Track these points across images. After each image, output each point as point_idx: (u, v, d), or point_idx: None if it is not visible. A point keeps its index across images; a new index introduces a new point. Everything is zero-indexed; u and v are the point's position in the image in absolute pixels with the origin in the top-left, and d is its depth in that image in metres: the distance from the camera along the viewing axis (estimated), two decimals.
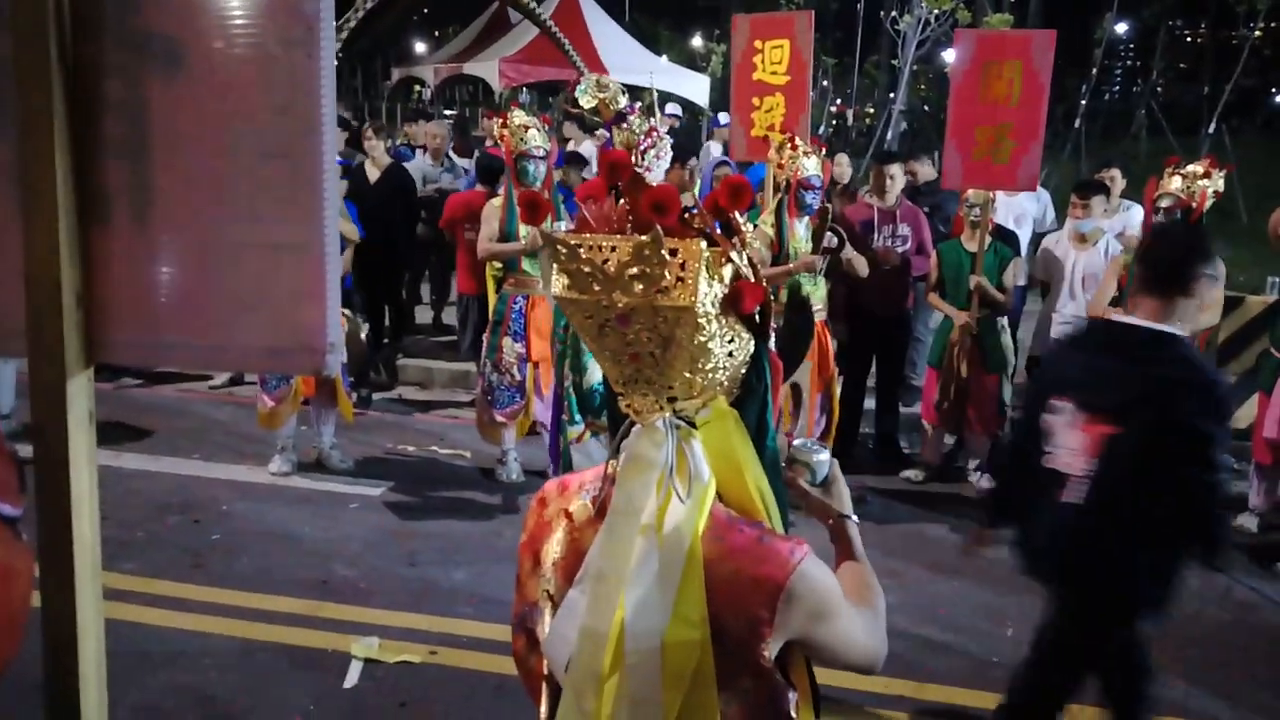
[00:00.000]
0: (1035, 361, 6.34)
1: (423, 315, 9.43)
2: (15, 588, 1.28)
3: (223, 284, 1.18)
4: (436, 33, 32.99)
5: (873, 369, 6.70)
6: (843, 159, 7.85)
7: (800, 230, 5.50)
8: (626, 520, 1.35)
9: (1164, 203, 5.09)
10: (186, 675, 3.88)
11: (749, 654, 1.34)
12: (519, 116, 5.51)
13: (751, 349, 1.42)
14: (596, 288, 1.29)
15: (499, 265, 5.77)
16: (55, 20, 1.10)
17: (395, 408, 7.52)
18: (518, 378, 5.70)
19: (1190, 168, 5.09)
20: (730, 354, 1.37)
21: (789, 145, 5.45)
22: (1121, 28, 27.66)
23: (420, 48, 28.35)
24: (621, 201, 1.34)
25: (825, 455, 1.67)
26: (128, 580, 4.54)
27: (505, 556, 4.91)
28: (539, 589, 1.50)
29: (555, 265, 1.33)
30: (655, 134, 3.40)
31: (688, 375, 1.35)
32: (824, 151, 5.72)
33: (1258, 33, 24.31)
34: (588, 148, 7.44)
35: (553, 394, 5.64)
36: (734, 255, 1.33)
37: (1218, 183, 5.03)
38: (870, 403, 6.77)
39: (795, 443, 1.67)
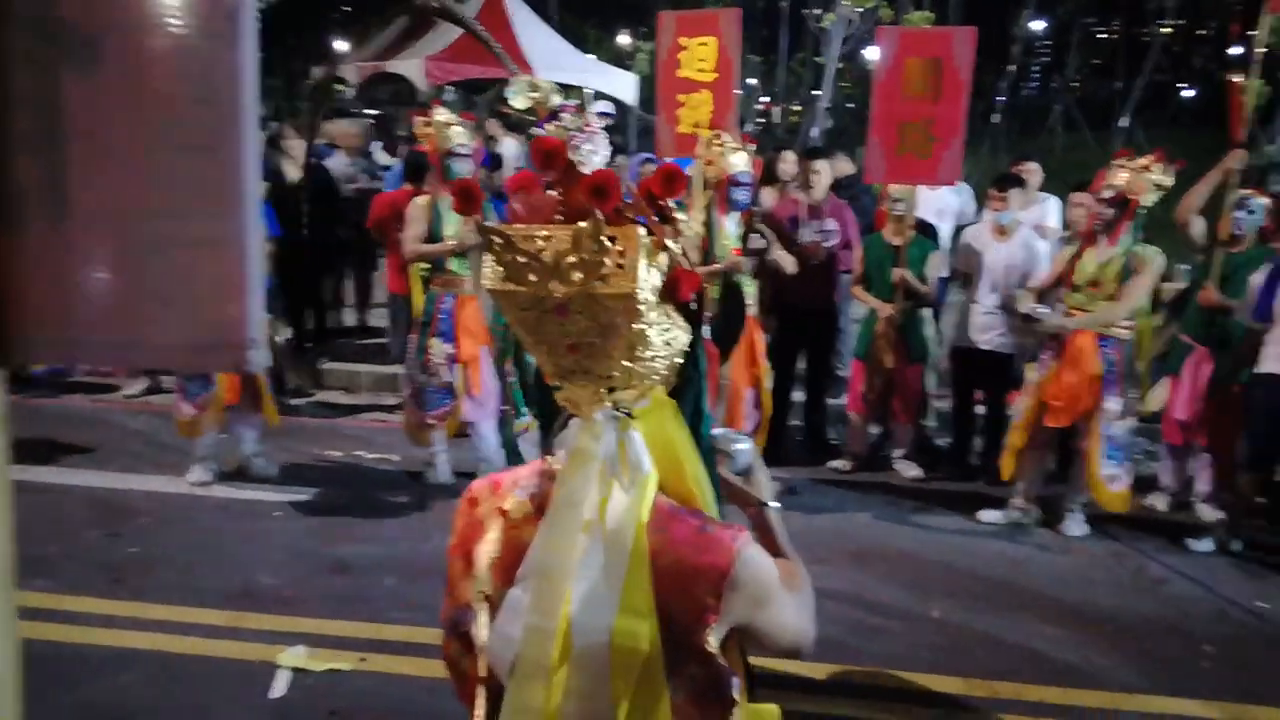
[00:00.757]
0: (957, 352, 6.46)
1: (347, 318, 9.29)
2: None
3: (142, 280, 1.15)
4: (358, 30, 32.49)
5: (800, 362, 6.77)
6: (789, 156, 7.90)
7: (729, 228, 5.52)
8: (569, 514, 1.35)
9: (1105, 194, 5.22)
10: (107, 693, 3.77)
11: (694, 641, 1.35)
12: (442, 114, 5.47)
13: (687, 338, 1.42)
14: (533, 278, 1.28)
15: (426, 265, 5.71)
16: None
17: (320, 412, 7.41)
18: (446, 379, 5.65)
19: (1138, 161, 5.21)
20: (667, 343, 1.37)
21: (715, 142, 5.47)
22: (1038, 25, 28.31)
23: (341, 46, 27.93)
24: (552, 191, 1.34)
25: (745, 444, 1.68)
26: (42, 598, 4.39)
27: (435, 560, 4.83)
28: (473, 590, 1.47)
29: (490, 256, 1.32)
30: (590, 129, 3.37)
31: (627, 364, 1.34)
32: (754, 148, 5.75)
33: (1167, 30, 25.09)
34: (510, 146, 7.38)
35: (486, 391, 5.61)
36: (670, 243, 1.33)
37: (1161, 177, 5.15)
38: (798, 395, 6.84)
39: (715, 431, 1.66)
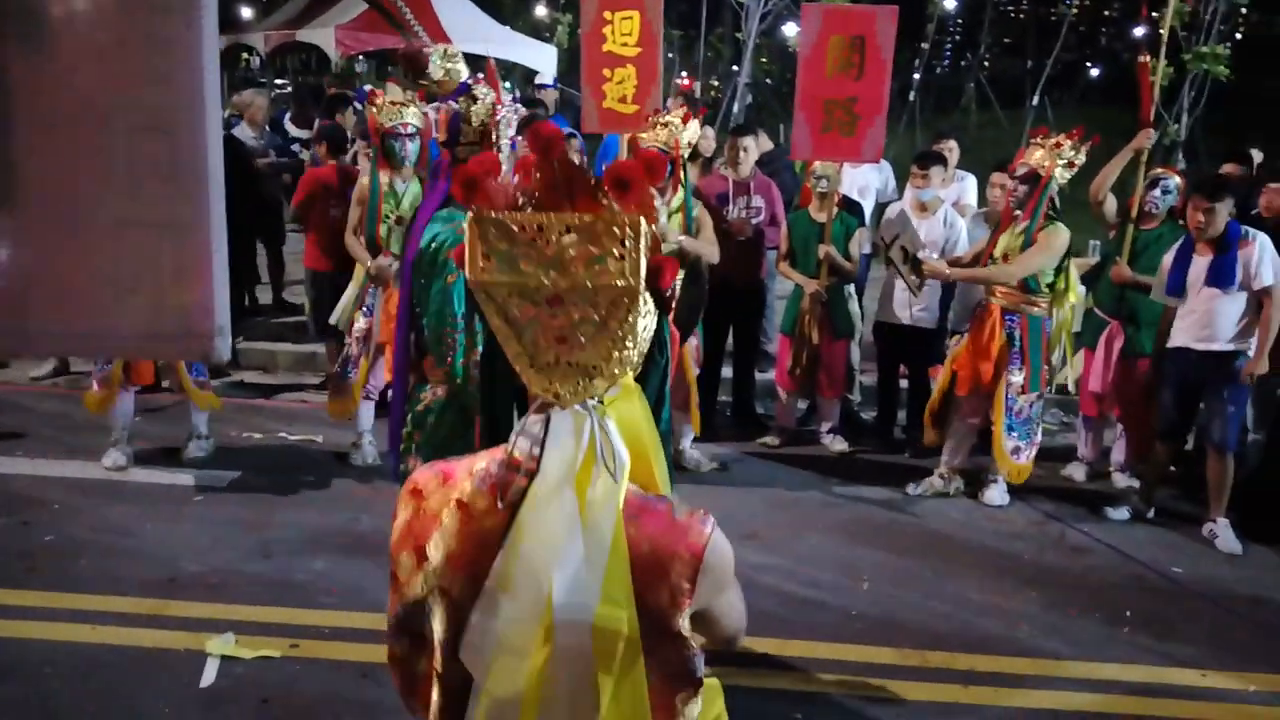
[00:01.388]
0: (880, 327, 6.57)
1: (261, 295, 9.02)
2: None
3: (99, 266, 1.10)
4: None
5: (728, 338, 6.81)
6: (709, 132, 7.91)
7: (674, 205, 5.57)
8: (552, 504, 1.34)
9: (1019, 171, 5.36)
10: (26, 688, 3.64)
11: (669, 625, 1.37)
12: (394, 93, 5.34)
13: (655, 323, 1.42)
14: (527, 268, 1.26)
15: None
16: None
17: (238, 393, 7.21)
18: (355, 351, 5.61)
19: (1054, 139, 5.33)
20: (645, 329, 1.37)
21: (660, 120, 5.45)
22: (951, 3, 28.75)
23: (247, 12, 27.11)
24: (518, 177, 1.31)
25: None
26: None
27: (364, 543, 4.79)
28: (423, 586, 1.43)
29: (479, 246, 1.28)
30: (502, 105, 3.32)
31: (615, 355, 1.34)
32: (701, 118, 5.76)
33: (1074, 9, 25.65)
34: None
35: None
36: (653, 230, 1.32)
37: (1072, 154, 5.28)
38: (727, 371, 6.88)
39: None
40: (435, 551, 1.41)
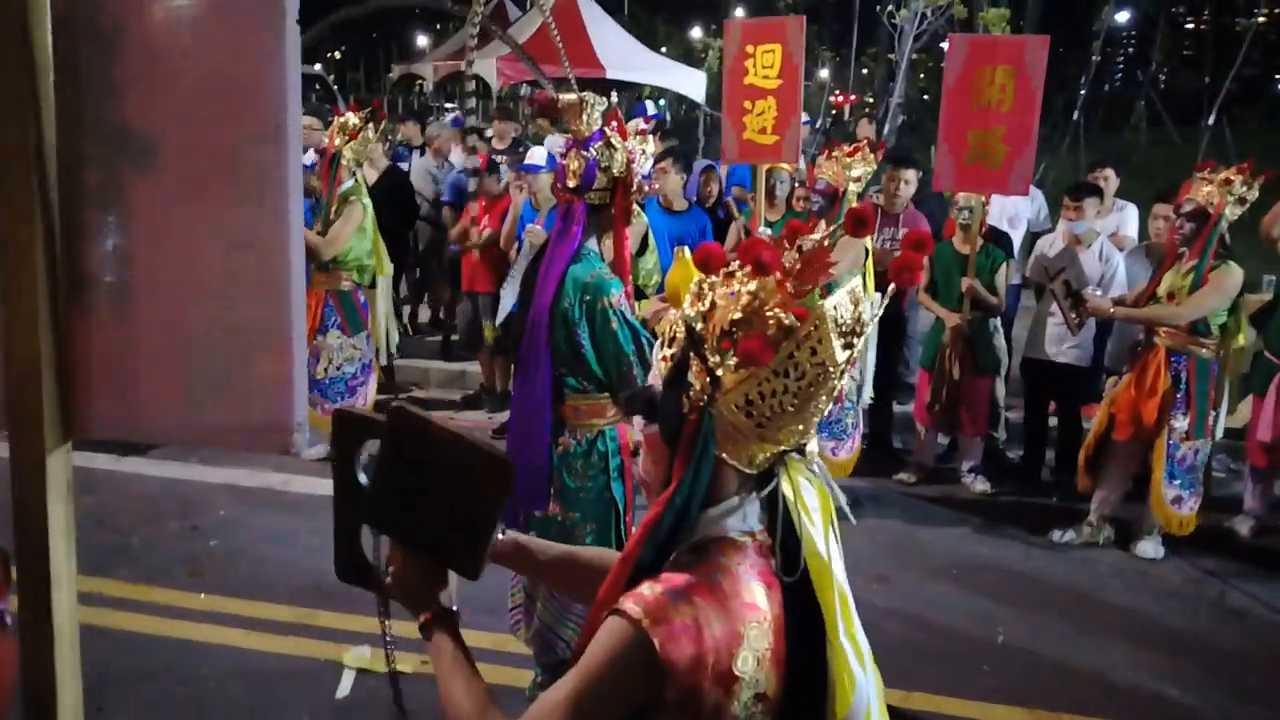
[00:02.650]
0: (1029, 364, 6.36)
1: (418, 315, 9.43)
2: (3, 675, 1.31)
3: (196, 363, 1.23)
4: (438, 26, 32.95)
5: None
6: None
7: None
8: (835, 554, 1.40)
9: (1185, 208, 5.11)
10: (183, 686, 3.91)
11: None
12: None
13: None
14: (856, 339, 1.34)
15: None
16: (35, 114, 1.14)
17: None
18: None
19: (1223, 174, 5.08)
20: None
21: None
22: (1123, 16, 27.59)
23: (421, 41, 28.34)
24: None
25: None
26: (124, 588, 4.58)
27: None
28: (740, 705, 1.34)
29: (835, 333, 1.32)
30: (634, 156, 3.37)
31: (811, 420, 1.40)
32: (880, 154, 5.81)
33: (1261, 19, 24.25)
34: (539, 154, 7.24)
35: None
36: None
37: (1243, 190, 5.02)
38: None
39: None
40: (746, 666, 1.33)
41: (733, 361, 1.30)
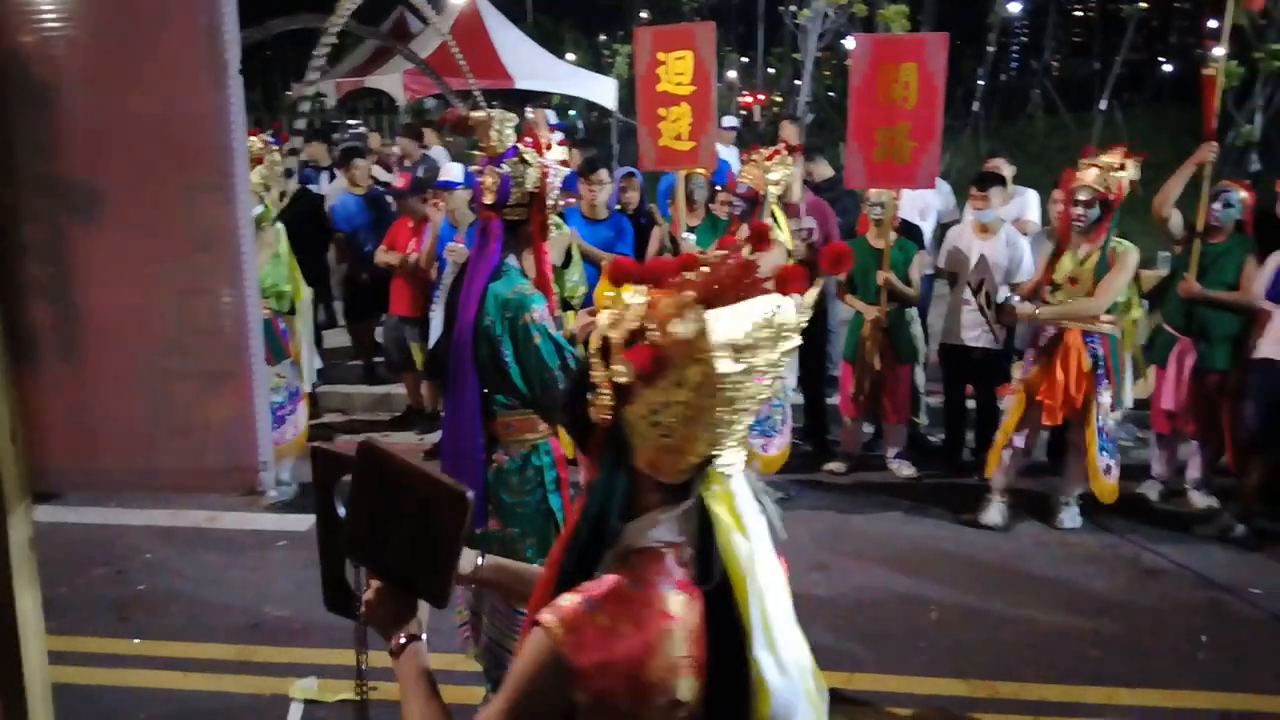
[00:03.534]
0: (946, 350, 6.54)
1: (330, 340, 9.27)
2: None
3: (153, 412, 1.24)
4: (336, 42, 32.43)
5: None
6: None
7: None
8: (773, 566, 1.45)
9: (1082, 195, 5.26)
10: None
11: None
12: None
13: None
14: (768, 353, 1.35)
15: None
16: None
17: (316, 435, 7.42)
18: None
19: (1105, 158, 5.27)
20: None
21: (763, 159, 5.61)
22: (1015, 7, 28.37)
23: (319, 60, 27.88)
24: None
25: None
26: (53, 640, 4.37)
27: None
28: (658, 711, 1.37)
29: (723, 348, 1.32)
30: (550, 171, 3.40)
31: (721, 431, 1.41)
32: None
33: (1143, 5, 25.09)
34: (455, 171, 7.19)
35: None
36: None
37: (1133, 172, 5.23)
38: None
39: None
40: (667, 672, 1.37)
41: (631, 372, 1.34)
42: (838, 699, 3.99)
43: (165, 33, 1.22)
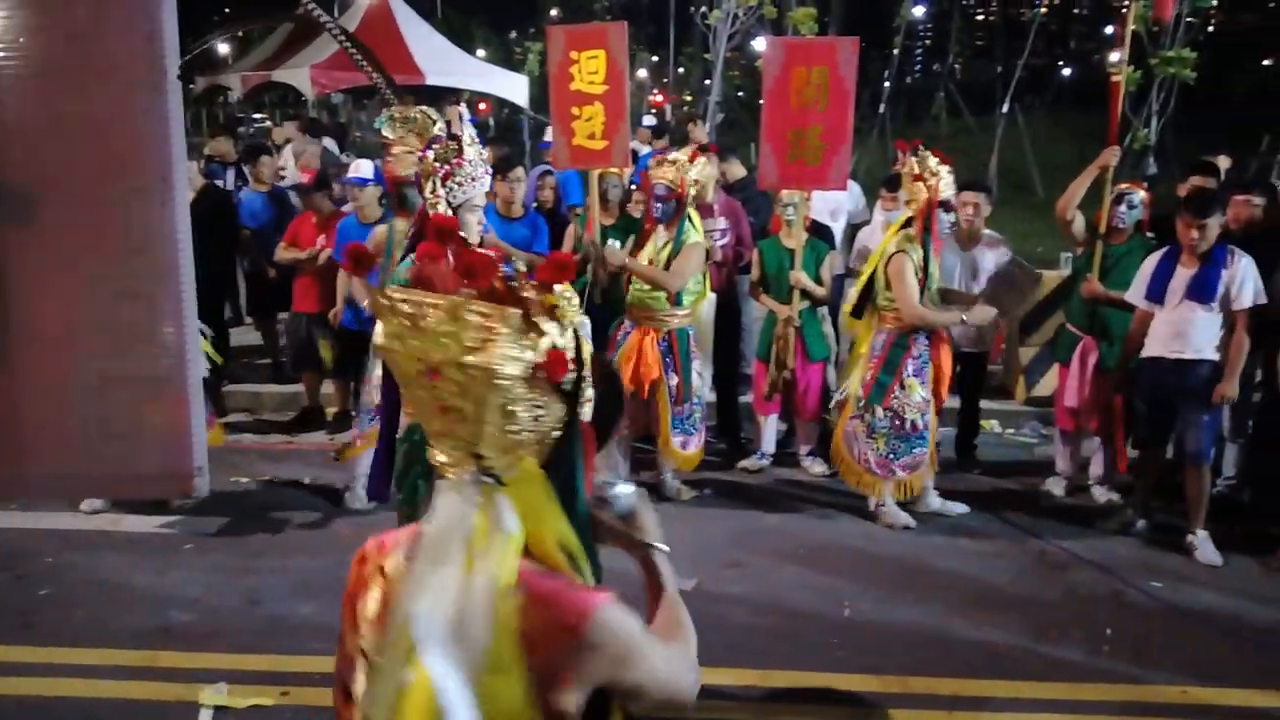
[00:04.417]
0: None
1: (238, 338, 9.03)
2: None
3: (86, 416, 1.20)
4: (240, 33, 31.62)
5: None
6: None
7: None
8: (433, 573, 1.37)
9: (659, 190, 5.64)
10: None
11: (549, 702, 1.39)
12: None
13: (563, 416, 1.44)
14: (413, 341, 1.34)
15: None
16: None
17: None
18: (377, 399, 5.66)
19: (674, 155, 5.64)
20: (537, 419, 1.40)
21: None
22: (919, 10, 28.98)
23: (223, 50, 27.19)
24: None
25: (626, 488, 1.71)
26: None
27: None
28: (354, 646, 1.51)
29: (378, 315, 1.38)
30: (460, 163, 3.49)
31: (494, 434, 1.38)
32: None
33: (1043, 10, 25.84)
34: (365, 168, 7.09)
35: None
36: (548, 326, 1.37)
37: (697, 171, 5.61)
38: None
39: (596, 479, 1.66)
40: (363, 615, 1.50)
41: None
42: (756, 696, 4.07)
43: (103, 40, 1.20)
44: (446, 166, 3.51)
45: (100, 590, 4.89)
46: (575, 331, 1.43)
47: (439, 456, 1.43)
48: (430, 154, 3.54)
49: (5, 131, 1.16)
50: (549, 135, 7.44)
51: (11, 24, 1.15)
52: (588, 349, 1.46)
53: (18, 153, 1.16)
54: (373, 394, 5.62)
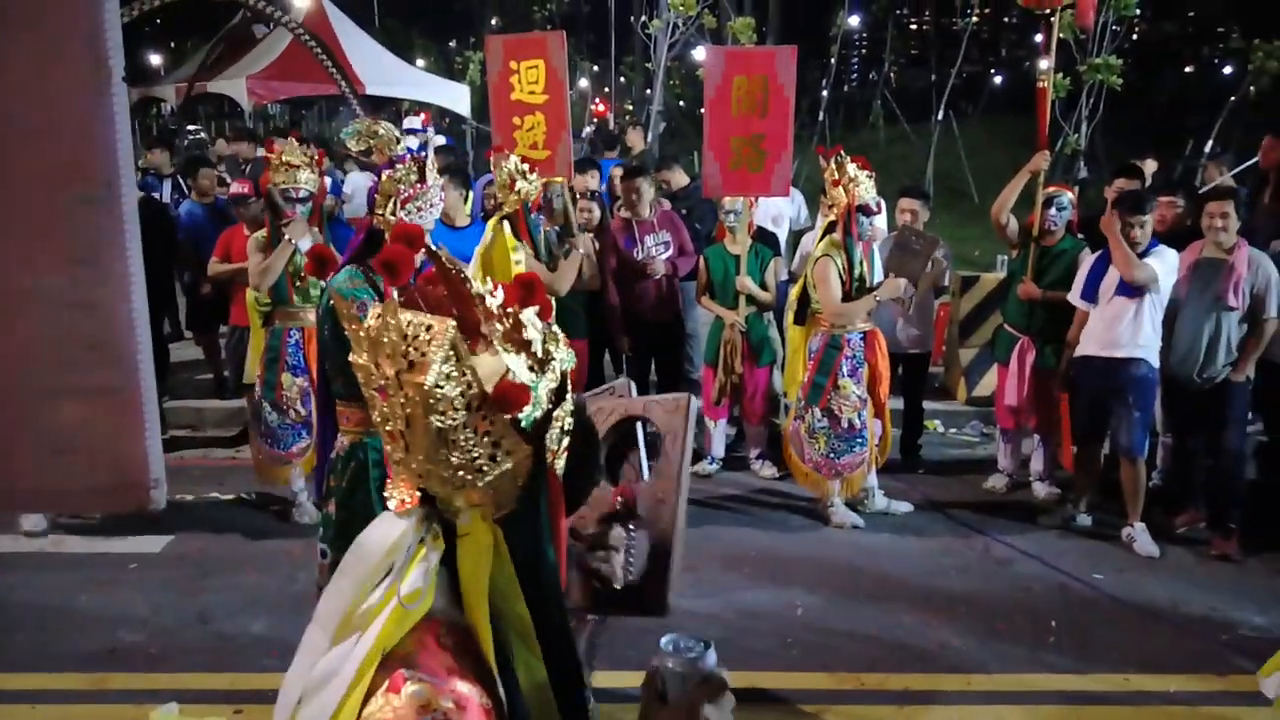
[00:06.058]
0: None
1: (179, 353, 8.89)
2: None
3: (35, 429, 1.19)
4: (173, 44, 31.09)
5: (651, 372, 6.95)
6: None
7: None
8: (329, 608, 1.22)
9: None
10: None
11: None
12: (291, 154, 5.33)
13: (528, 463, 1.26)
14: (364, 356, 1.22)
15: (266, 300, 5.59)
16: None
17: (165, 450, 7.12)
18: (303, 413, 5.57)
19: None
20: (492, 457, 1.21)
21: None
22: (855, 20, 29.31)
23: (156, 60, 26.77)
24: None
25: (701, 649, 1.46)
26: None
27: (302, 602, 4.78)
28: None
29: (347, 326, 1.28)
30: (422, 188, 3.54)
31: (429, 465, 1.21)
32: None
33: (974, 20, 26.26)
34: (357, 180, 7.09)
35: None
36: (501, 349, 1.21)
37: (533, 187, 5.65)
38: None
39: (665, 642, 1.45)
40: None
41: None
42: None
43: (36, 35, 1.17)
44: (409, 190, 3.55)
45: (43, 614, 4.78)
46: (554, 368, 1.26)
47: (388, 488, 1.24)
48: (395, 173, 3.57)
49: None
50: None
51: None
52: (567, 390, 1.29)
53: None
54: (295, 406, 5.59)
